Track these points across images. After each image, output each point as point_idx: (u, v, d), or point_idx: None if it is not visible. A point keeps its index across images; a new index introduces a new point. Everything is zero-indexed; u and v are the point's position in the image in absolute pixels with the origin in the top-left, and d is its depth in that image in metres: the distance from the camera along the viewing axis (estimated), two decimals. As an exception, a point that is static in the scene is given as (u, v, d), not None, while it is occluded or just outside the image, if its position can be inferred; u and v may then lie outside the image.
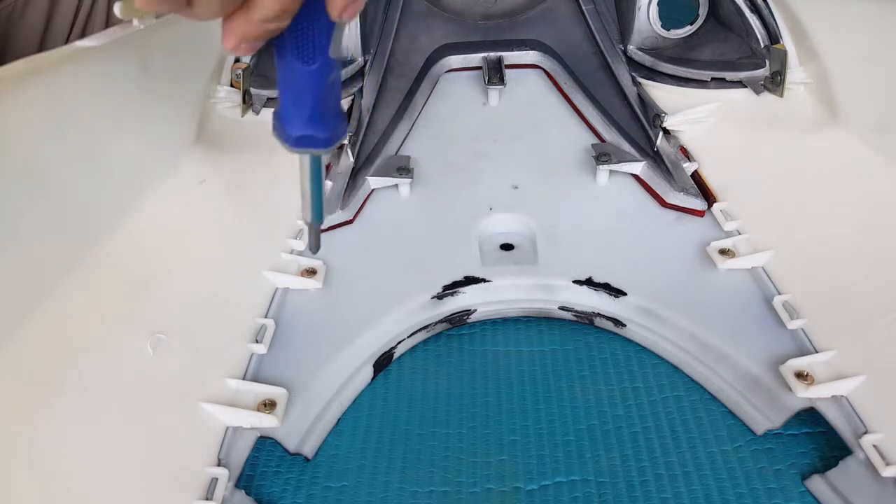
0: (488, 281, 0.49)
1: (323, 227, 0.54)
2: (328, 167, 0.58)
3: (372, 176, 0.58)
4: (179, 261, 0.46)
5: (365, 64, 0.68)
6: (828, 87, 0.57)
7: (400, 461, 0.40)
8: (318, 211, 0.36)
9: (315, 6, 0.27)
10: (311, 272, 0.49)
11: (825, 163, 0.53)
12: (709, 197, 0.54)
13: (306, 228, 0.39)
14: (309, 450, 0.40)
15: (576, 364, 0.46)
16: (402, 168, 0.58)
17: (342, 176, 0.57)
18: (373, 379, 0.45)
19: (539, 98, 0.70)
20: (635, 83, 0.66)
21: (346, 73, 0.66)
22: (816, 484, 0.36)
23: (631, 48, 0.68)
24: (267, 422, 0.38)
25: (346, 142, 0.59)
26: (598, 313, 0.48)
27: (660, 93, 0.64)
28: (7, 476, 0.32)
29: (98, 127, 0.44)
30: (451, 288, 0.48)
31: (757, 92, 0.61)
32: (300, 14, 0.27)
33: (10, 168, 0.37)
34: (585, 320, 0.48)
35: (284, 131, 0.31)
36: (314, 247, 0.40)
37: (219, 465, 0.36)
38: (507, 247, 0.53)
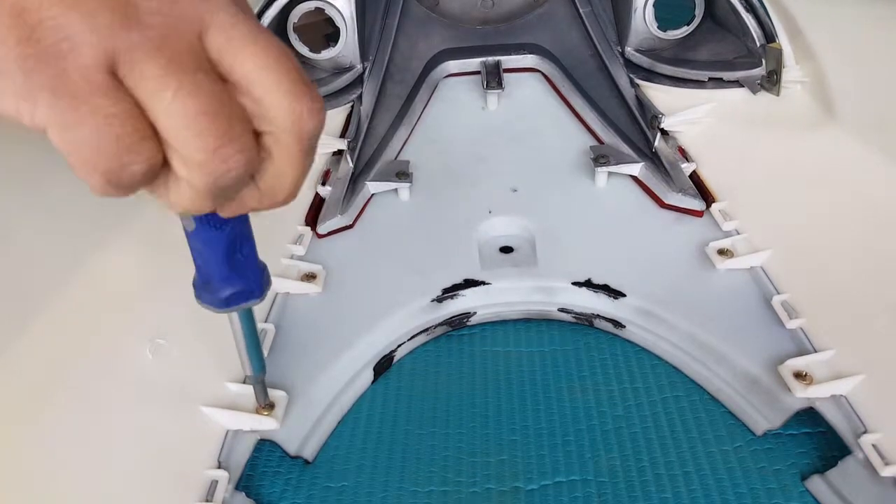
0: (488, 284, 0.49)
1: (323, 232, 0.54)
2: (328, 174, 0.59)
3: (371, 181, 0.58)
4: (179, 266, 0.46)
5: (364, 70, 0.68)
6: (824, 85, 0.57)
7: (400, 461, 0.40)
8: (257, 364, 0.36)
9: None
10: (311, 277, 0.49)
11: (822, 161, 0.53)
12: (707, 197, 0.55)
13: (253, 381, 0.37)
14: (309, 453, 0.40)
15: (575, 365, 0.46)
16: (402, 173, 0.59)
17: (342, 181, 0.57)
18: (373, 382, 0.45)
19: (537, 101, 0.70)
20: (633, 85, 0.66)
21: (345, 79, 0.67)
22: (816, 484, 0.36)
23: (628, 50, 0.68)
24: (267, 424, 0.38)
25: (345, 147, 0.60)
26: (598, 315, 0.48)
27: (657, 94, 0.64)
28: (9, 479, 0.32)
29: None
30: (451, 291, 0.48)
31: (754, 91, 0.62)
32: None
33: (11, 173, 0.38)
34: (585, 322, 0.49)
35: (211, 296, 0.30)
36: (262, 401, 0.38)
37: (219, 467, 0.36)
38: (506, 249, 0.54)
